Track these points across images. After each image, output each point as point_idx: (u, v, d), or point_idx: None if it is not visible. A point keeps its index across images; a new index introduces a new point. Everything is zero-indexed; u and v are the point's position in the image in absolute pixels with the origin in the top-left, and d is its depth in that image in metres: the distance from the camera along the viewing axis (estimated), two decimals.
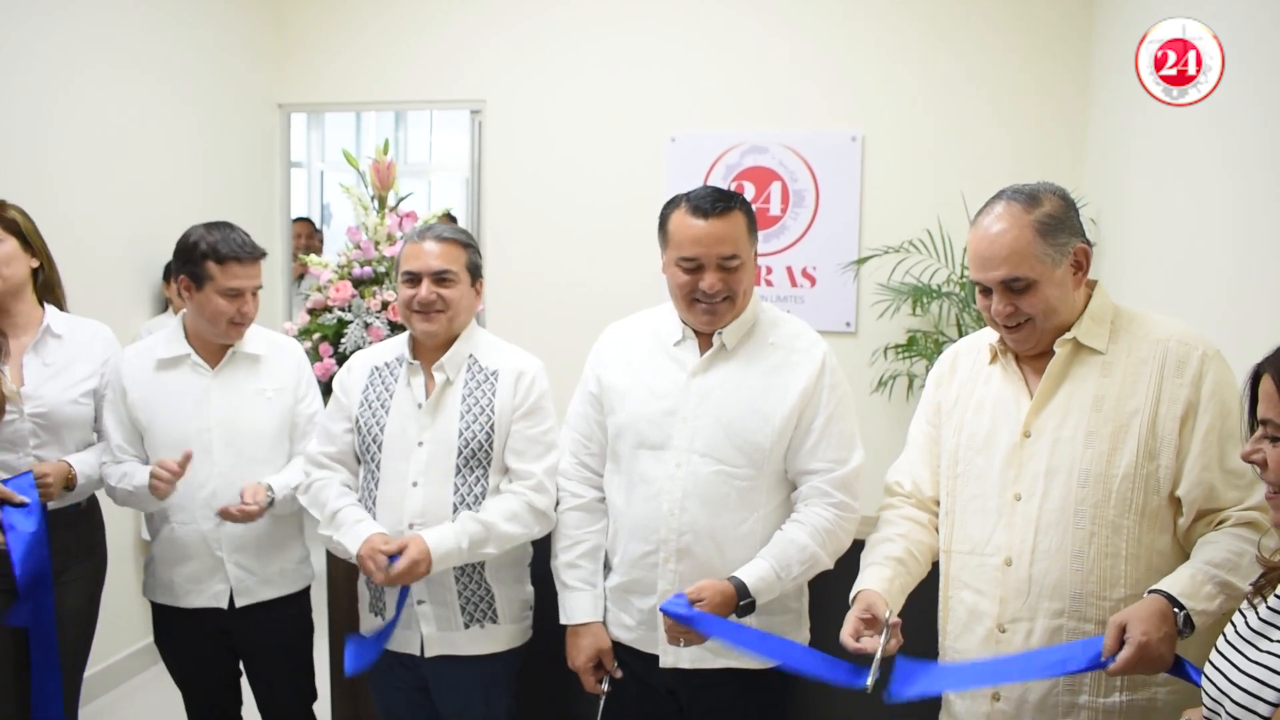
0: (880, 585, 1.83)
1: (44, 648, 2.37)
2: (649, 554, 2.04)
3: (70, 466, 2.44)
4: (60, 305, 2.60)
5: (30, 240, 2.49)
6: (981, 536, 1.82)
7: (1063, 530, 1.72)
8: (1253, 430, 1.33)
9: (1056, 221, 1.72)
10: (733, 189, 4.27)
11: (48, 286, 2.56)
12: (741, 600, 1.91)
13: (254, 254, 2.47)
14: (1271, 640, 1.27)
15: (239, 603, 2.48)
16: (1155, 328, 1.76)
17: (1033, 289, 1.72)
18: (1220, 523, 1.67)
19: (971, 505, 1.85)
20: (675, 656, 2.03)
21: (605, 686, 2.11)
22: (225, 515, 2.38)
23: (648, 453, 2.05)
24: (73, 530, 2.52)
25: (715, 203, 1.98)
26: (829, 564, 2.01)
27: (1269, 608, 1.30)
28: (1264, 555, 1.43)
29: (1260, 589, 1.35)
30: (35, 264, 2.50)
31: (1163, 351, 1.72)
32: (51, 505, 2.41)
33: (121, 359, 2.51)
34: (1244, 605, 1.37)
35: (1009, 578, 1.77)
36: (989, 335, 1.90)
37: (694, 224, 1.99)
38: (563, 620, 2.15)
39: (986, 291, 1.78)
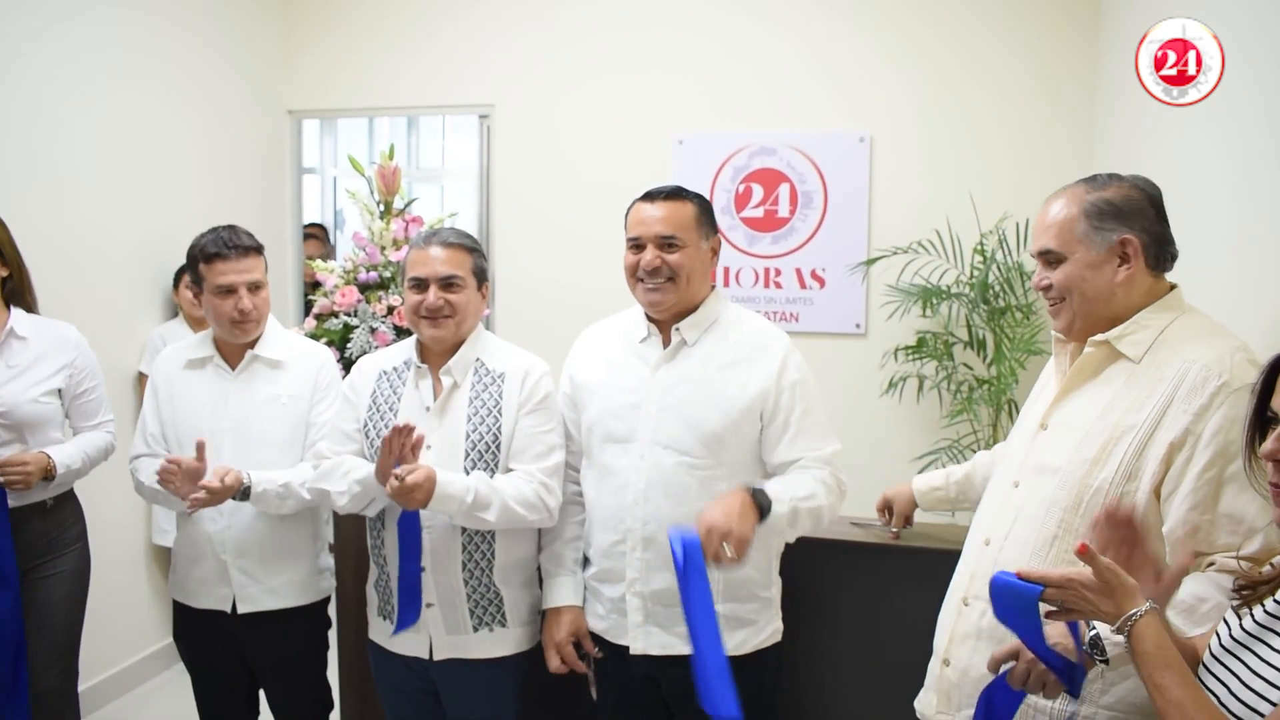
0: (919, 483, 2.33)
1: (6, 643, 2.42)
2: (617, 543, 2.13)
3: (49, 457, 2.49)
4: (30, 309, 2.65)
5: (4, 249, 2.55)
6: (982, 515, 1.89)
7: (1034, 524, 1.73)
8: (1258, 421, 1.28)
9: (1111, 208, 1.72)
10: (740, 191, 4.29)
11: (17, 293, 2.62)
12: (756, 497, 1.95)
13: (239, 248, 2.46)
14: (1260, 652, 1.24)
15: (241, 609, 2.49)
16: (1194, 346, 1.66)
17: (1063, 266, 1.75)
18: (1208, 565, 1.59)
19: (992, 485, 1.92)
20: (644, 643, 2.11)
21: (590, 666, 2.20)
22: (196, 499, 2.30)
23: (614, 446, 2.15)
24: (50, 521, 2.57)
25: (664, 190, 2.17)
26: (826, 510, 2.07)
27: (1255, 621, 1.27)
28: (1242, 569, 1.38)
29: (1247, 600, 1.31)
30: (5, 273, 2.56)
31: (1184, 372, 1.63)
32: (26, 499, 2.50)
33: (162, 356, 2.61)
34: (1228, 615, 1.33)
35: (983, 556, 1.81)
36: None
37: (641, 208, 2.18)
38: (544, 605, 2.25)
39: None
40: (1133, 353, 1.72)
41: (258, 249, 2.51)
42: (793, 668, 2.36)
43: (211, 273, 2.44)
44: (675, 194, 2.16)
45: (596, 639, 2.22)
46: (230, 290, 2.45)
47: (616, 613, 2.16)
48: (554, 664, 2.22)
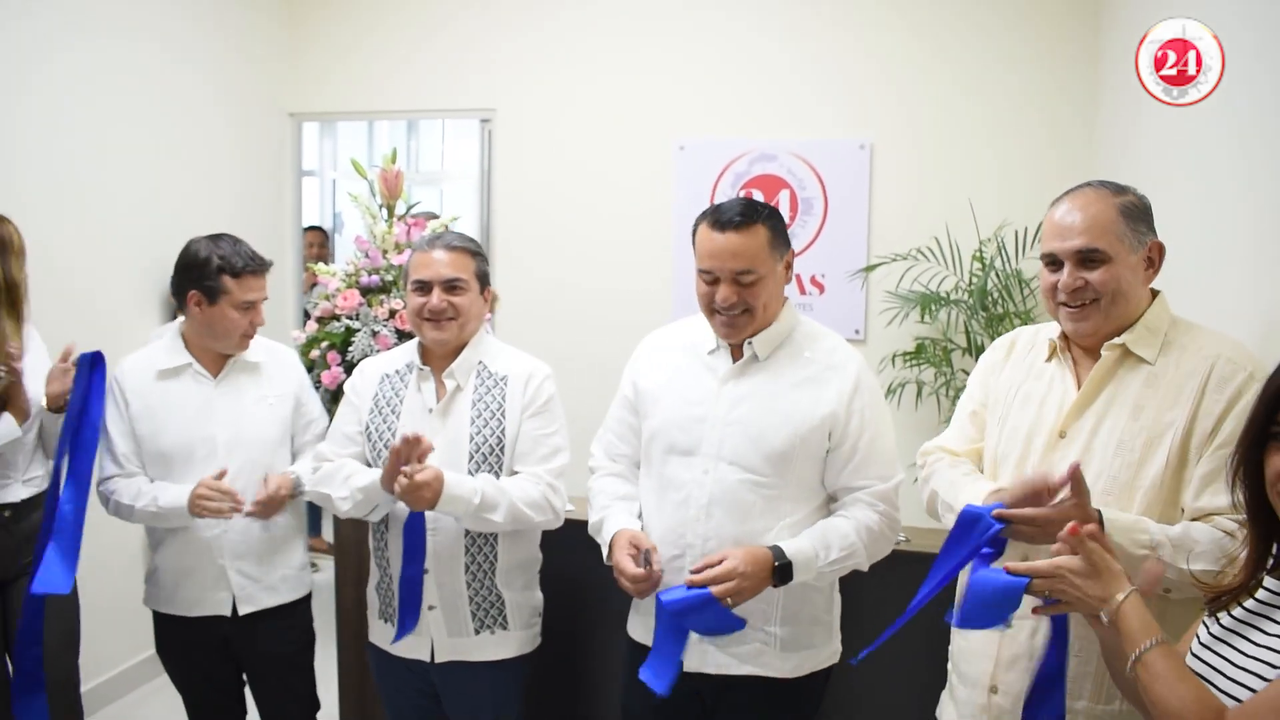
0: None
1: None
2: (675, 558, 2.02)
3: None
4: None
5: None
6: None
7: None
8: (1260, 435, 1.29)
9: (1139, 210, 1.75)
10: (741, 197, 4.27)
11: None
12: (778, 561, 1.91)
13: (265, 265, 2.54)
14: (1242, 646, 1.26)
15: (242, 610, 2.49)
16: (1209, 343, 1.73)
17: (1106, 266, 1.72)
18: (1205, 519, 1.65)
19: None
20: (700, 661, 2.03)
21: (656, 566, 1.98)
22: (253, 513, 2.41)
23: (678, 458, 2.05)
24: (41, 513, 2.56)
25: (734, 216, 1.98)
26: (866, 562, 2.01)
27: (1234, 617, 1.29)
28: (1208, 581, 1.42)
29: (1217, 607, 1.34)
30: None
31: (1209, 366, 1.69)
32: (22, 494, 2.55)
33: (121, 370, 2.53)
34: (1205, 618, 1.36)
35: None
36: (1050, 330, 1.90)
37: (712, 237, 2.00)
38: (606, 554, 2.08)
39: (1056, 267, 1.78)
40: (1149, 355, 1.75)
41: (271, 264, 2.60)
42: None
43: (240, 287, 2.46)
44: (746, 220, 1.97)
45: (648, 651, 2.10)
46: (251, 306, 2.49)
47: None
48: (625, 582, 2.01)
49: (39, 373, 2.54)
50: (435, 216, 3.96)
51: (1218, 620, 1.32)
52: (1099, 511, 1.61)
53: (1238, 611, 1.29)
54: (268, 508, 2.42)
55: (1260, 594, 1.28)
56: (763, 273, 1.99)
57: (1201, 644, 1.33)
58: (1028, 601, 1.74)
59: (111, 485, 2.48)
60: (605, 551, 2.08)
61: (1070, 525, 1.38)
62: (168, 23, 4.00)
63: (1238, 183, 2.35)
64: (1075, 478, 1.57)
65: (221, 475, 2.38)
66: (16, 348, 2.51)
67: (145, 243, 3.88)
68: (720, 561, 1.89)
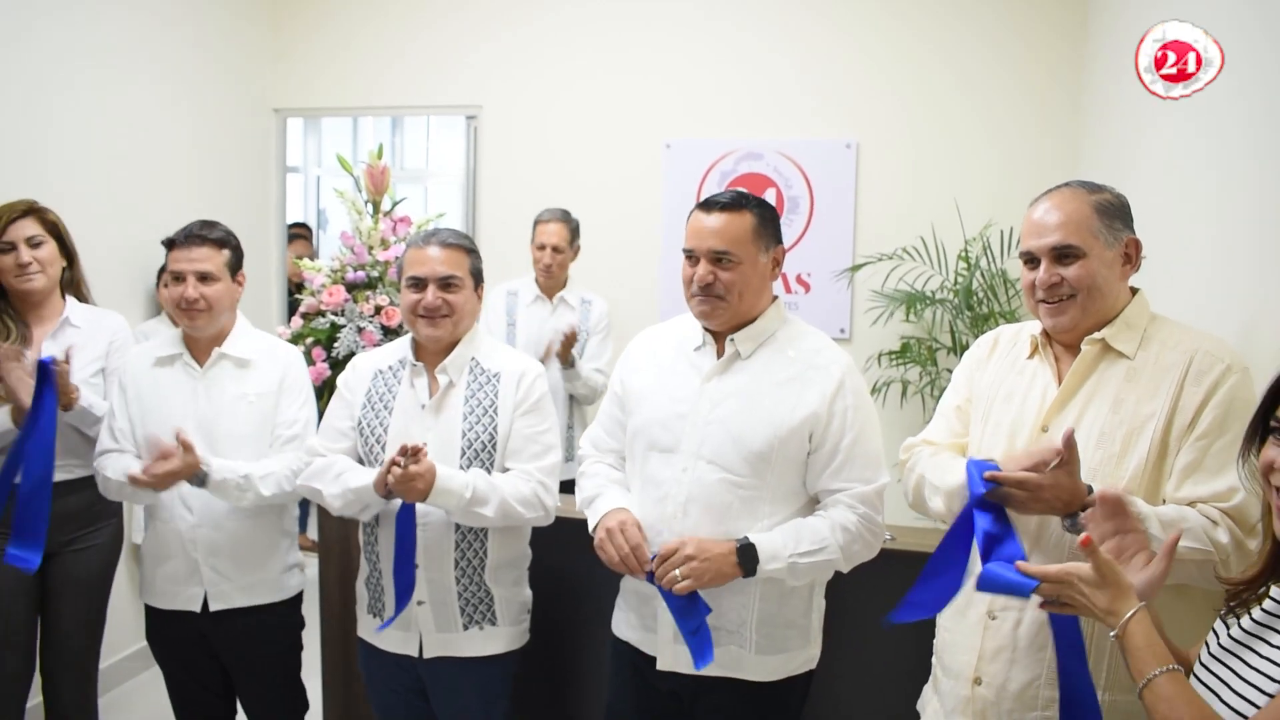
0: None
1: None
2: (652, 557, 2.00)
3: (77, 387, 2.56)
4: (84, 299, 2.82)
5: (65, 242, 2.76)
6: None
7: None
8: (1261, 431, 1.31)
9: (1114, 207, 1.79)
10: None
11: (74, 283, 2.81)
12: (740, 545, 1.90)
13: (194, 236, 2.46)
14: (1248, 659, 1.27)
15: (213, 607, 2.47)
16: (1187, 338, 1.77)
17: (1081, 261, 1.76)
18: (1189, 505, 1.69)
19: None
20: (674, 661, 2.03)
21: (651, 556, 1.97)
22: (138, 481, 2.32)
23: (659, 455, 2.04)
24: (83, 496, 2.62)
25: (723, 200, 2.01)
26: (842, 562, 1.98)
27: (1243, 629, 1.30)
28: (1224, 574, 1.45)
29: (1235, 607, 1.35)
30: (64, 263, 2.76)
31: (1188, 360, 1.72)
32: (63, 476, 2.59)
33: (127, 356, 2.61)
34: (1217, 624, 1.37)
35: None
36: (1032, 327, 1.93)
37: (697, 217, 2.03)
38: (592, 526, 2.07)
39: (1034, 265, 1.81)
40: (1129, 349, 1.78)
41: (215, 241, 2.48)
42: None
43: (170, 260, 2.47)
44: (734, 204, 1.99)
45: (628, 648, 2.11)
46: (179, 278, 2.44)
47: (647, 628, 2.07)
48: (607, 557, 2.00)
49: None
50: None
51: (1227, 629, 1.33)
52: (1089, 486, 1.64)
53: (1246, 624, 1.30)
54: (166, 472, 2.31)
55: (1267, 604, 1.29)
56: (742, 257, 1.98)
57: (1211, 654, 1.34)
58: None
59: (103, 460, 2.49)
60: (592, 524, 2.07)
61: (1083, 536, 1.39)
62: (153, 17, 3.96)
63: (1224, 184, 2.37)
64: (1068, 443, 1.61)
65: (178, 437, 2.32)
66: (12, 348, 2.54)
67: (127, 238, 3.85)
68: (675, 552, 1.90)
